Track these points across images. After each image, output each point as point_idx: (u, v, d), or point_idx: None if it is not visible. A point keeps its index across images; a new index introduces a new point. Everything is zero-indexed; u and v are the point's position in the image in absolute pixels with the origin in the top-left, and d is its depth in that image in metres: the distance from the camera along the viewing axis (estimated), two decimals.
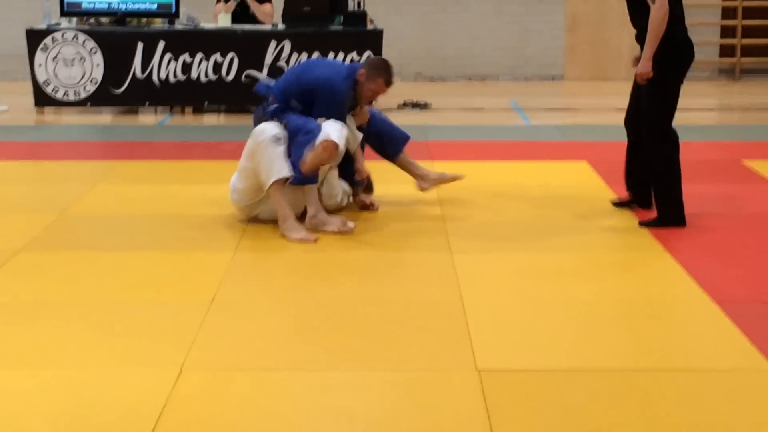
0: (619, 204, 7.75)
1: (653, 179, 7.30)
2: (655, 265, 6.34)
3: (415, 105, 13.28)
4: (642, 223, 7.22)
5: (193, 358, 4.80)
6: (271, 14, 13.06)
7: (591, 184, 8.52)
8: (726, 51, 16.61)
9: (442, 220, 7.34)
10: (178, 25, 12.73)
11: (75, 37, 12.45)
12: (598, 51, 16.37)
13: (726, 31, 16.63)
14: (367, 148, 7.74)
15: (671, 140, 7.18)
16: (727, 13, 16.57)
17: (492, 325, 5.30)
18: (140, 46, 12.45)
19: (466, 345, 4.97)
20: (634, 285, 5.99)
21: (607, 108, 13.00)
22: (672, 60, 7.07)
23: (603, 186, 8.42)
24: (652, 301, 5.68)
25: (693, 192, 8.22)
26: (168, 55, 12.48)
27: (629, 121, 7.57)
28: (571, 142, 10.61)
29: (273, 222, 7.19)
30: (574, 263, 6.38)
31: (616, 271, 6.25)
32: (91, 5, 12.67)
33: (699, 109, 12.83)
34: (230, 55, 12.41)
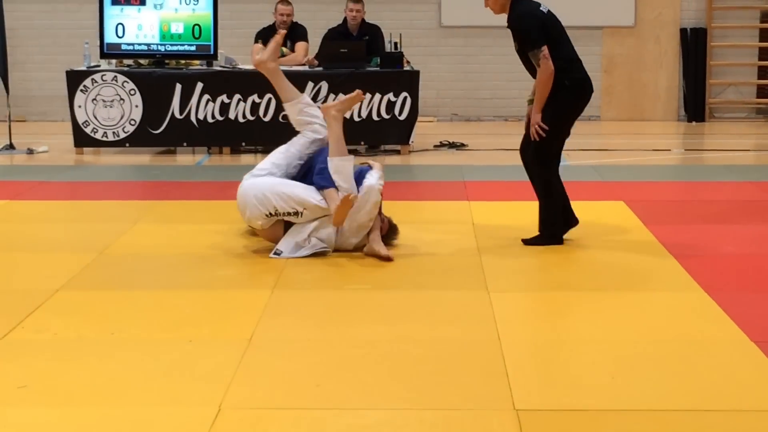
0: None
1: (539, 201, 7.78)
2: (692, 304, 6.31)
3: (452, 145, 13.32)
4: (525, 241, 7.76)
5: (231, 397, 4.81)
6: (305, 51, 13.14)
7: (628, 224, 8.50)
8: (763, 91, 16.58)
9: (479, 259, 7.34)
10: (216, 67, 12.84)
11: (114, 78, 12.57)
12: (634, 92, 16.37)
13: (763, 72, 16.60)
14: (400, 189, 7.74)
15: (552, 168, 7.74)
16: (765, 53, 16.55)
17: (530, 364, 5.29)
18: (178, 87, 12.56)
19: (504, 384, 4.96)
20: (672, 324, 5.96)
21: (643, 148, 12.98)
22: (566, 98, 7.64)
23: (640, 226, 8.40)
24: (689, 340, 5.66)
25: (730, 231, 8.21)
26: (206, 96, 12.58)
27: (522, 149, 7.92)
28: (607, 182, 10.60)
29: (310, 261, 7.22)
30: (611, 302, 6.36)
31: (652, 310, 6.22)
32: (131, 47, 12.81)
33: (736, 149, 12.80)
34: (267, 96, 12.49)
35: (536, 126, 7.59)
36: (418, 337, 5.68)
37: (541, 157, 7.72)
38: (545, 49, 7.50)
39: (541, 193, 7.79)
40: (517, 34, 7.65)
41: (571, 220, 7.90)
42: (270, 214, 7.38)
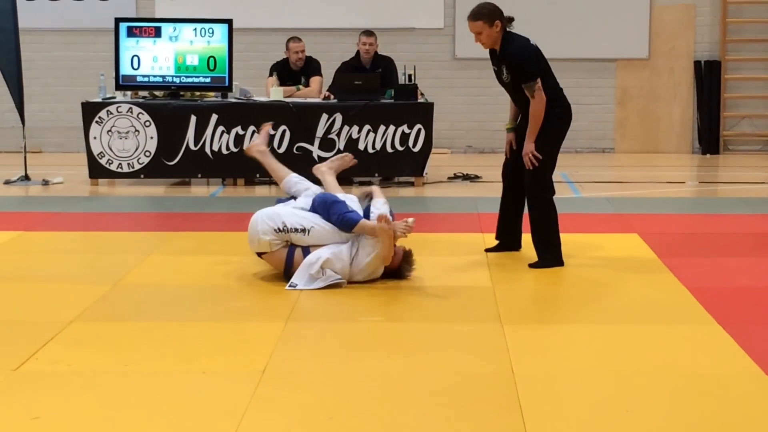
0: (491, 250, 8.55)
1: (536, 225, 8.10)
2: (706, 337, 6.29)
3: (466, 177, 13.33)
4: (531, 265, 8.02)
5: (244, 429, 4.80)
6: (320, 85, 13.20)
7: (642, 257, 8.49)
8: None
9: (493, 291, 7.34)
10: (231, 98, 12.89)
11: (129, 110, 12.62)
12: (648, 124, 16.37)
13: None
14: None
15: (552, 189, 8.13)
16: None
17: (543, 397, 5.27)
18: (193, 119, 12.61)
19: (518, 417, 4.94)
20: (686, 357, 5.95)
21: (657, 180, 12.97)
22: (559, 125, 8.11)
23: (654, 258, 8.39)
24: (704, 373, 5.64)
25: (744, 264, 8.20)
26: (220, 128, 12.62)
27: (507, 172, 8.40)
28: (621, 214, 10.59)
29: (324, 293, 7.23)
30: (625, 336, 6.35)
31: (667, 343, 6.20)
32: (146, 79, 12.86)
33: (751, 182, 12.78)
34: (282, 128, 12.52)
35: (530, 155, 7.92)
36: (431, 370, 5.68)
37: (543, 182, 8.07)
38: (539, 81, 7.85)
39: (544, 215, 8.08)
40: (514, 66, 7.93)
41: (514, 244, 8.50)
42: (279, 229, 7.43)
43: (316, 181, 8.17)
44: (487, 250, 8.54)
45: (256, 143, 8.49)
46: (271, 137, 12.58)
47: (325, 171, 8.24)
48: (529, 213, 8.19)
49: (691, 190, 12.58)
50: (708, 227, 10.09)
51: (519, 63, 7.90)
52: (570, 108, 8.21)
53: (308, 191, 7.91)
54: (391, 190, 12.48)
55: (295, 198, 7.93)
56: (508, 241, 8.52)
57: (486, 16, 7.96)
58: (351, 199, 7.78)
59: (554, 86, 8.09)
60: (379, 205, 7.66)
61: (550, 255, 8.07)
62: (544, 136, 7.99)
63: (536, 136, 7.95)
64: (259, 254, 7.63)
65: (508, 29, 8.05)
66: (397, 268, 7.59)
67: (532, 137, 7.94)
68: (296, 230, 7.45)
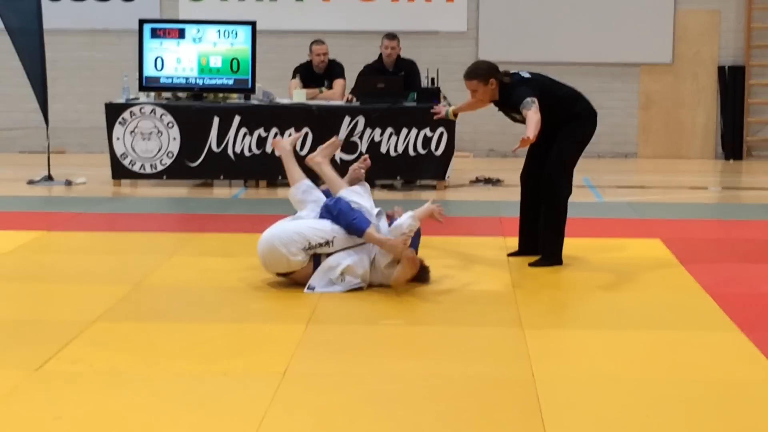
0: (513, 254, 8.57)
1: (550, 222, 8.26)
2: (728, 344, 6.26)
3: (488, 181, 13.32)
4: (532, 264, 8.20)
5: (264, 431, 4.81)
6: (343, 88, 13.22)
7: (664, 262, 8.47)
8: None
9: (514, 296, 7.33)
10: (254, 100, 12.91)
11: (153, 111, 12.66)
12: (672, 129, 16.34)
13: None
14: (436, 224, 7.73)
15: (570, 189, 8.30)
16: None
17: (564, 402, 5.26)
18: (216, 120, 12.64)
19: (538, 422, 4.94)
20: (708, 363, 5.92)
21: (680, 186, 12.94)
22: (584, 124, 8.31)
23: (676, 264, 8.37)
24: (725, 379, 5.62)
25: (766, 271, 8.17)
26: (243, 130, 12.65)
27: (528, 177, 8.55)
28: (644, 219, 10.56)
29: (344, 296, 7.24)
30: (646, 341, 6.33)
31: (688, 350, 6.18)
32: (169, 80, 12.90)
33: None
34: (305, 129, 12.54)
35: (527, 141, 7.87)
36: (451, 374, 5.67)
37: (563, 180, 8.25)
38: (536, 102, 7.92)
39: (561, 216, 8.27)
40: (515, 103, 8.06)
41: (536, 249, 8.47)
42: (307, 248, 7.40)
43: (314, 180, 8.12)
44: (509, 255, 8.53)
45: (284, 142, 8.41)
46: None
47: (320, 161, 8.15)
48: (544, 208, 8.28)
49: (714, 196, 12.54)
50: (731, 233, 10.06)
51: (518, 97, 8.02)
52: (595, 112, 8.39)
53: (316, 203, 7.77)
54: (413, 194, 12.49)
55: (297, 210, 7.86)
56: (529, 245, 8.50)
57: (481, 76, 8.20)
58: (354, 191, 7.73)
59: (568, 92, 8.38)
60: (405, 219, 7.55)
61: (554, 252, 8.26)
62: (575, 136, 8.23)
63: (571, 125, 8.19)
64: (284, 274, 7.58)
65: (504, 81, 8.21)
66: (416, 278, 7.58)
67: (534, 132, 7.81)
68: (321, 245, 7.43)
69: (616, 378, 5.63)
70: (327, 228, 7.47)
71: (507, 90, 8.19)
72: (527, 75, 8.30)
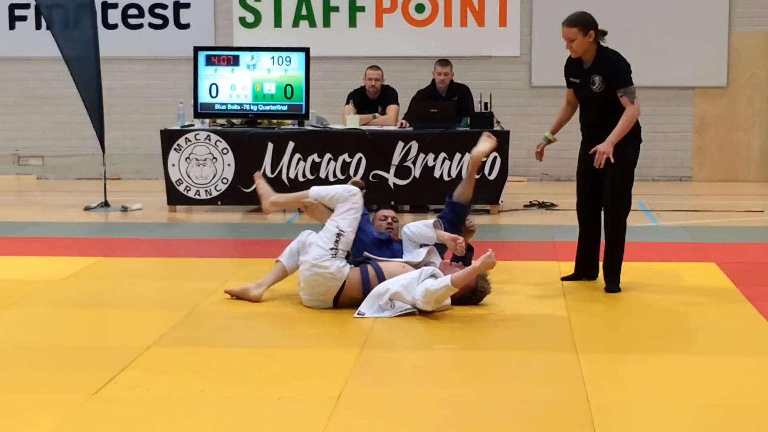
0: (567, 278, 8.50)
1: (615, 249, 8.14)
2: None
3: (542, 205, 13.29)
4: (609, 290, 8.11)
5: None
6: (397, 114, 13.25)
7: (720, 286, 8.41)
8: None
9: (568, 320, 7.31)
10: (308, 126, 12.97)
11: (207, 137, 12.75)
12: (727, 152, 16.22)
13: None
14: (489, 248, 7.73)
15: (630, 206, 8.18)
16: None
17: (619, 427, 5.24)
18: (270, 146, 12.70)
19: None
20: (764, 390, 5.87)
21: (735, 209, 12.84)
22: (638, 144, 8.16)
23: (732, 288, 8.31)
24: None
25: None
26: (297, 155, 12.71)
27: (584, 209, 8.38)
28: (699, 243, 10.50)
29: (399, 320, 7.25)
30: (701, 366, 6.29)
31: (745, 374, 6.14)
32: (224, 107, 12.99)
33: None
34: (358, 155, 12.58)
35: (604, 155, 7.85)
36: (506, 398, 5.67)
37: (624, 201, 8.13)
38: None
39: (621, 238, 8.14)
40: (612, 72, 7.93)
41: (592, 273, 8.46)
42: (332, 248, 7.58)
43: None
44: (563, 279, 8.50)
45: (265, 197, 8.41)
46: (347, 164, 12.64)
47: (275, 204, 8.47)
48: (606, 234, 8.20)
49: None
50: None
51: (618, 70, 7.93)
52: (641, 131, 8.27)
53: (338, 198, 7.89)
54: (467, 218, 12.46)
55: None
56: (585, 270, 8.47)
57: (582, 24, 8.00)
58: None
59: None
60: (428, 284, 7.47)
61: (617, 279, 8.16)
62: (627, 155, 8.03)
63: (617, 149, 7.91)
64: (338, 296, 7.60)
65: (601, 42, 8.08)
66: (470, 297, 7.59)
67: (616, 140, 7.88)
68: (337, 239, 7.61)
69: (672, 403, 5.60)
70: (330, 226, 7.66)
71: (605, 56, 8.05)
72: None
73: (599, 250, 8.43)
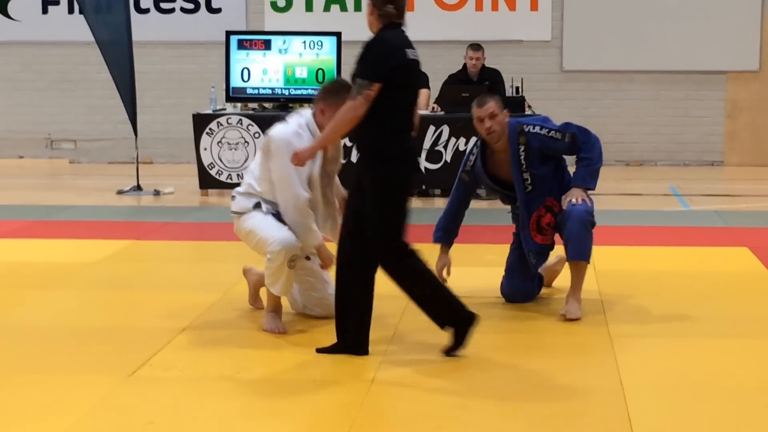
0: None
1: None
2: None
3: None
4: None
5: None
6: (428, 98, 13.25)
7: (752, 271, 8.39)
8: None
9: (601, 305, 7.31)
10: None
11: (239, 121, 12.79)
12: (759, 137, 16.14)
13: None
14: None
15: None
16: None
17: (653, 410, 5.25)
18: None
19: (627, 431, 4.94)
20: None
21: (767, 194, 12.83)
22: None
23: (764, 272, 8.29)
24: None
25: None
26: None
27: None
28: (731, 228, 10.47)
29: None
30: (735, 350, 6.29)
31: None
32: (255, 91, 13.02)
33: None
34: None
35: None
36: (539, 381, 5.68)
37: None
38: None
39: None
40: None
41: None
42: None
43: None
44: None
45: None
46: None
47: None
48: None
49: None
50: None
51: (361, 54, 6.53)
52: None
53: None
54: (497, 202, 12.46)
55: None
56: None
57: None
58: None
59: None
60: None
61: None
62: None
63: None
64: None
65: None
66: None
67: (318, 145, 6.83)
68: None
69: (705, 387, 5.61)
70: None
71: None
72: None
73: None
